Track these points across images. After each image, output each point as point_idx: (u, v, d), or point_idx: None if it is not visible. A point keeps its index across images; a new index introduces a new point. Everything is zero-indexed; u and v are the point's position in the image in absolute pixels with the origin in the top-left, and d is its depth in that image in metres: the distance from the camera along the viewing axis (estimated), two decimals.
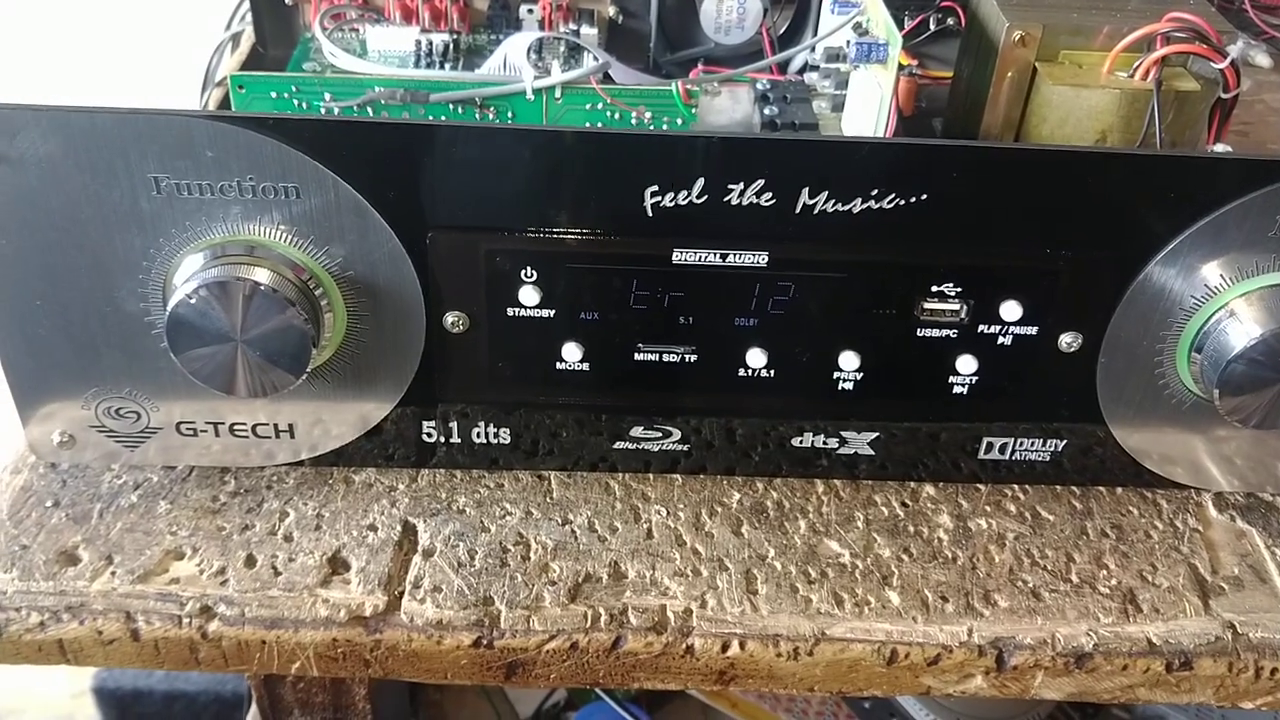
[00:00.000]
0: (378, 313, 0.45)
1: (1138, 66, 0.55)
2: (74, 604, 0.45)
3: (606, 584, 0.47)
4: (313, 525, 0.49)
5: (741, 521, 0.51)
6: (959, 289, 0.46)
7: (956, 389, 0.48)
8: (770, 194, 0.43)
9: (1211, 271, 0.45)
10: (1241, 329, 0.45)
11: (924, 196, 0.43)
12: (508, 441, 0.50)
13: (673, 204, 0.43)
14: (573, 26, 0.72)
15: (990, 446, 0.51)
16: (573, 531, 0.49)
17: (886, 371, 0.48)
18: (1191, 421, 0.50)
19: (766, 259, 0.45)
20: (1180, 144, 0.57)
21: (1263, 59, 0.90)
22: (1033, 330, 0.47)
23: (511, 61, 0.66)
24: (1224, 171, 0.43)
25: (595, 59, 0.67)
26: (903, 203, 0.43)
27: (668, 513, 0.51)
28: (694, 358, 0.47)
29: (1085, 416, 0.49)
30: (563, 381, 0.47)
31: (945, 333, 0.47)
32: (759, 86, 0.68)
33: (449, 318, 0.45)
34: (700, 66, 0.71)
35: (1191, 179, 0.43)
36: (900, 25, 0.76)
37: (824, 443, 0.50)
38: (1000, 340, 0.47)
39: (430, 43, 0.68)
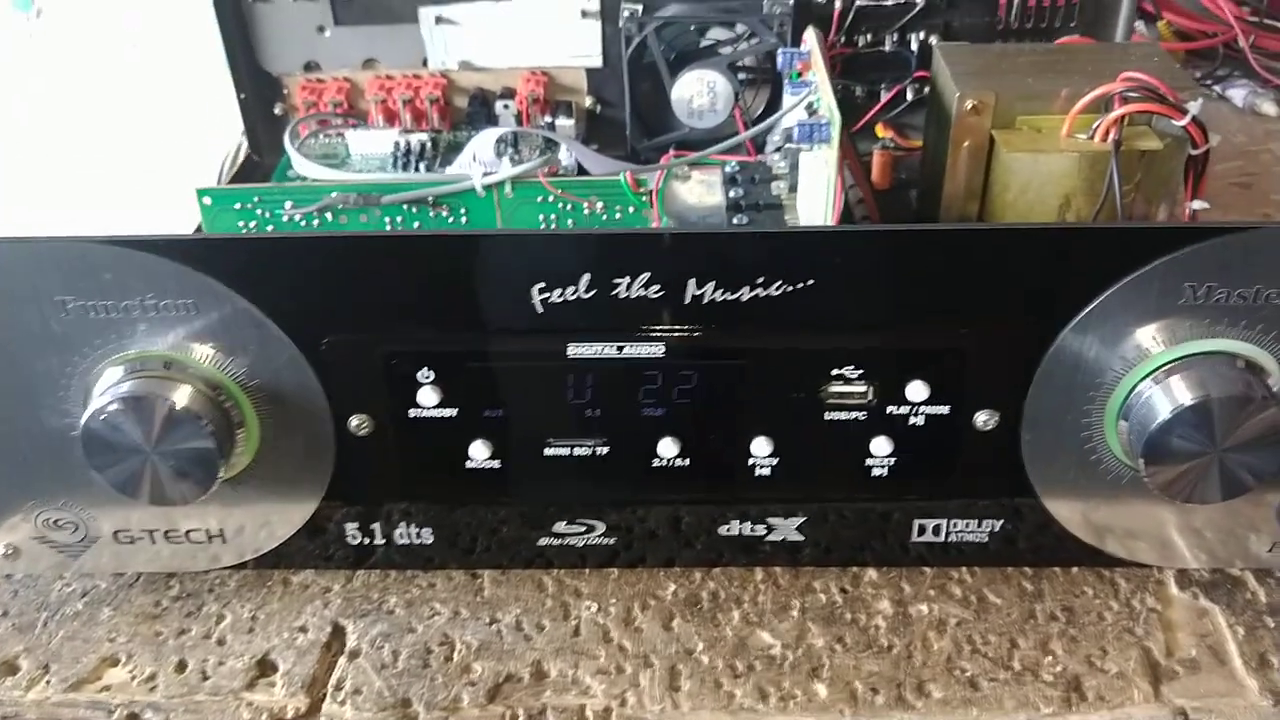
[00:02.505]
0: (287, 419, 0.46)
1: (1096, 128, 0.54)
2: (9, 714, 0.46)
3: (527, 684, 0.47)
4: (246, 628, 0.50)
5: (673, 615, 0.50)
6: (861, 371, 0.45)
7: (876, 471, 0.47)
8: (658, 286, 0.43)
9: (1130, 342, 0.44)
10: (1165, 398, 0.43)
11: (810, 282, 0.43)
12: (431, 541, 0.50)
13: (561, 300, 0.43)
14: (548, 119, 0.73)
15: (923, 529, 0.49)
16: (499, 631, 0.49)
17: (801, 456, 0.47)
18: (1138, 496, 0.47)
19: (664, 349, 0.44)
20: (1156, 202, 0.56)
21: (1269, 107, 0.88)
22: (944, 409, 0.46)
23: (480, 157, 0.67)
24: (1121, 243, 0.42)
25: (569, 151, 0.68)
26: (790, 289, 0.43)
27: (599, 608, 0.50)
28: (606, 450, 0.47)
29: (1018, 495, 0.48)
30: (475, 480, 0.48)
31: (854, 415, 0.46)
32: (727, 169, 0.68)
33: (353, 421, 0.46)
34: (672, 152, 0.71)
35: (1087, 251, 0.42)
36: (877, 97, 0.76)
37: (752, 530, 0.50)
38: (912, 421, 0.46)
39: (408, 143, 0.70)
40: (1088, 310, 0.43)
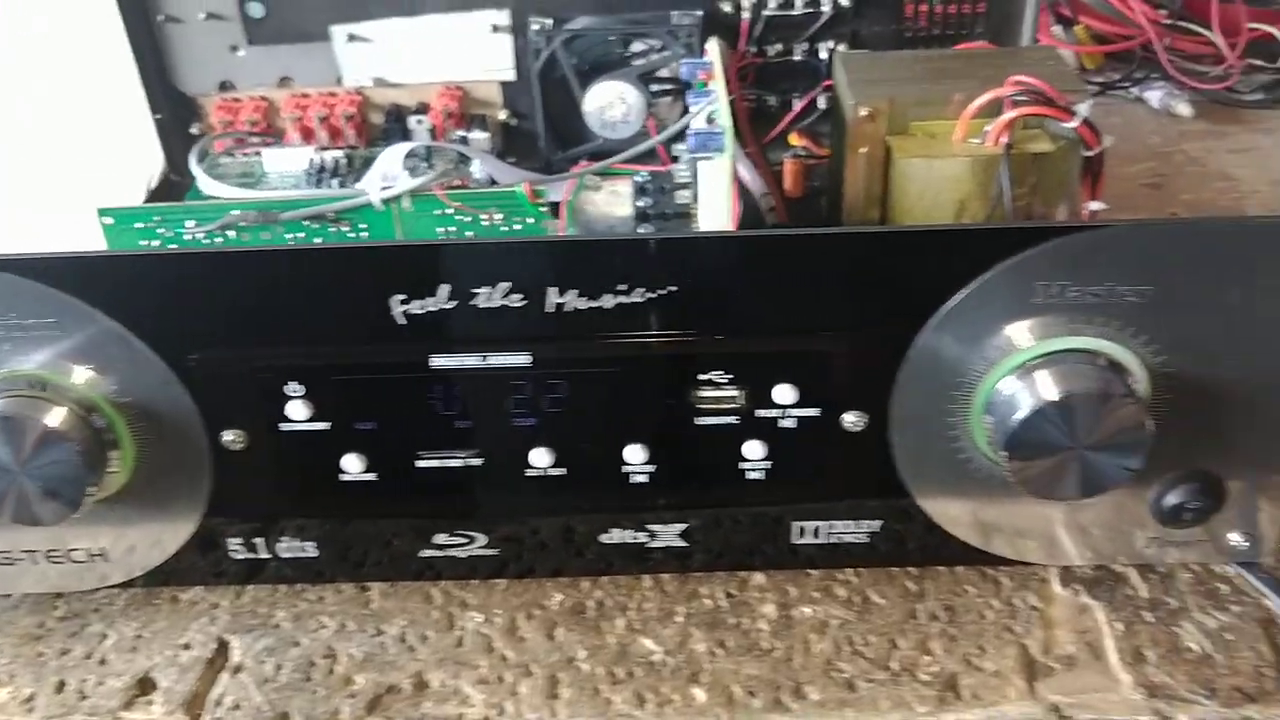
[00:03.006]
0: (162, 436, 0.46)
1: (988, 132, 0.54)
2: None
3: (408, 695, 0.47)
4: (129, 646, 0.50)
5: (557, 624, 0.50)
6: (729, 376, 0.45)
7: (751, 474, 0.48)
8: (520, 295, 0.43)
9: (989, 340, 0.44)
10: (1026, 394, 0.44)
11: (673, 288, 0.43)
12: (315, 555, 0.50)
13: (423, 311, 0.43)
14: (460, 133, 0.74)
15: (803, 531, 0.49)
16: (383, 643, 0.49)
17: (676, 462, 0.47)
18: (1012, 494, 0.48)
19: (530, 359, 0.45)
20: (1054, 204, 0.56)
21: (1184, 108, 0.88)
22: (814, 412, 0.46)
23: (389, 173, 0.67)
24: (969, 243, 0.43)
25: (480, 164, 0.69)
26: (653, 295, 0.43)
27: (484, 619, 0.50)
28: (479, 461, 0.47)
29: (893, 495, 0.48)
30: (351, 493, 0.48)
31: (726, 420, 0.46)
32: (638, 179, 0.69)
33: (227, 436, 0.46)
34: (584, 163, 0.72)
35: (938, 253, 0.43)
36: (790, 106, 0.76)
37: (634, 538, 0.50)
38: (782, 423, 0.46)
39: (323, 160, 0.70)
40: (943, 311, 0.43)
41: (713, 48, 0.69)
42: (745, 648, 0.48)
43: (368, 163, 0.71)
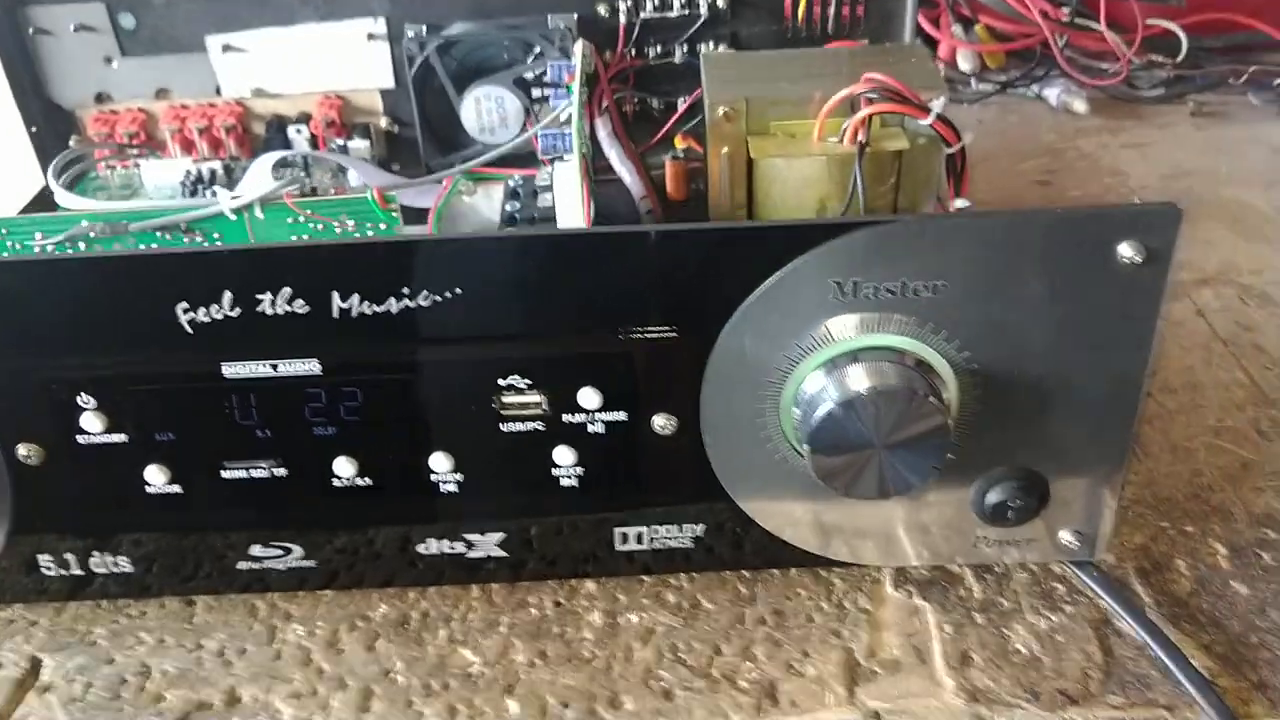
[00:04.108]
0: None
1: (845, 130, 0.54)
2: None
3: (218, 710, 0.46)
4: None
5: (379, 636, 0.49)
6: (529, 380, 0.44)
7: (565, 481, 0.46)
8: (301, 300, 0.42)
9: (791, 339, 0.43)
10: (832, 390, 0.43)
11: (458, 290, 0.42)
12: (131, 570, 0.49)
13: (209, 319, 0.42)
14: (340, 142, 0.73)
15: (625, 537, 0.48)
16: (200, 658, 0.48)
17: (485, 470, 0.46)
18: (832, 495, 0.46)
19: (319, 366, 0.44)
20: (917, 202, 0.56)
21: (1079, 105, 0.87)
22: (621, 415, 0.45)
23: (260, 183, 0.66)
24: (756, 240, 0.42)
25: (356, 173, 0.68)
26: (439, 299, 0.42)
27: (306, 631, 0.49)
28: (283, 471, 0.46)
29: (713, 499, 0.47)
30: (159, 506, 0.47)
31: (532, 425, 0.45)
32: (510, 183, 0.68)
33: (21, 450, 0.45)
34: (457, 168, 0.71)
35: (727, 250, 0.42)
36: (674, 109, 0.75)
37: (451, 548, 0.49)
38: (591, 428, 0.45)
39: (199, 171, 0.69)
40: (741, 310, 0.42)
41: (578, 49, 0.68)
42: (566, 658, 0.47)
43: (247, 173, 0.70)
